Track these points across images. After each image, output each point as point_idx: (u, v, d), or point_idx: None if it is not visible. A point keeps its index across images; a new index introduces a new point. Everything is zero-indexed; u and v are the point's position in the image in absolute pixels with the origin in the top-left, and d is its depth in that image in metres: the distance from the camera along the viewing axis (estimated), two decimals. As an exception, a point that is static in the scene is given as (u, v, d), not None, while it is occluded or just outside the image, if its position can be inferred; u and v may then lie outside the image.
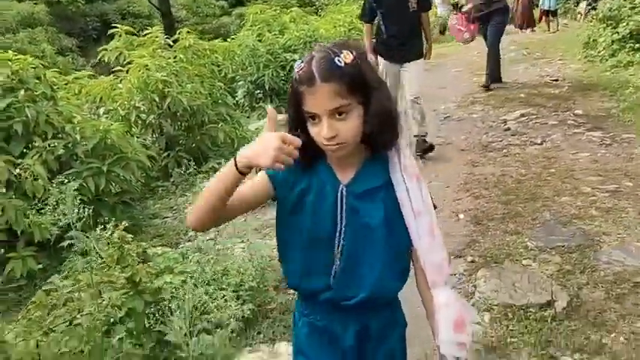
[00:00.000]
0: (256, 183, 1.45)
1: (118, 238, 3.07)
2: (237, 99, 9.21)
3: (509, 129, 6.26)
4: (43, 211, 3.80)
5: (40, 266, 4.15)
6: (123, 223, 2.96)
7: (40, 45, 16.48)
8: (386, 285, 1.46)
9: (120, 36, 6.88)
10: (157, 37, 6.83)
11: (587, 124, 6.10)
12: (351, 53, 1.30)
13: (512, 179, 4.81)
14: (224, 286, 3.34)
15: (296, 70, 1.33)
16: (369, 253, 1.42)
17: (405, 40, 5.42)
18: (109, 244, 3.15)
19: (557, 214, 4.05)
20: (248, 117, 8.79)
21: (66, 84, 6.23)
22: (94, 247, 3.23)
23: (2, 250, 4.05)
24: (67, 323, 2.93)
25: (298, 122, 1.36)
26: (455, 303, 1.45)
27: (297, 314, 1.60)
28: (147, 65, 6.07)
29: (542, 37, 14.29)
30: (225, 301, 3.13)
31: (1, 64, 4.54)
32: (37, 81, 4.73)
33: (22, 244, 4.19)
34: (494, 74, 8.28)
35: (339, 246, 1.42)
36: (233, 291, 3.27)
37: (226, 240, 3.95)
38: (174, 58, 6.58)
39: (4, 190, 4.22)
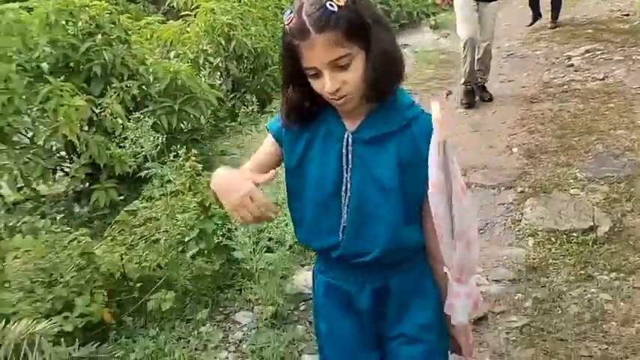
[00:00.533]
0: (266, 146, 1.40)
1: (190, 168, 3.41)
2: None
3: (572, 65, 6.17)
4: (122, 144, 4.23)
5: (121, 197, 4.57)
6: (192, 151, 3.28)
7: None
8: (403, 237, 1.32)
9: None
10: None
11: (653, 58, 5.94)
12: None
13: (569, 114, 4.84)
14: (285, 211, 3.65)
15: (285, 21, 1.19)
16: (381, 204, 1.29)
17: None
18: (182, 173, 3.50)
19: (610, 147, 4.10)
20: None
21: (138, 29, 6.58)
22: (169, 176, 3.57)
23: (87, 183, 4.51)
24: (147, 240, 3.32)
25: (297, 77, 1.25)
26: (474, 290, 1.35)
27: (315, 270, 1.52)
28: (213, 9, 6.32)
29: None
30: (286, 224, 3.44)
31: (80, 10, 4.89)
32: (113, 26, 5.07)
33: (105, 177, 4.60)
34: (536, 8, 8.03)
35: (345, 197, 1.31)
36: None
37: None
38: (239, 1, 6.79)
39: (86, 128, 4.64)
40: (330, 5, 1.13)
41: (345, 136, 1.30)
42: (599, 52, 6.40)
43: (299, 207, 1.40)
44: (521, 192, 3.78)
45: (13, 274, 2.86)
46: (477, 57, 5.31)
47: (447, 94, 5.98)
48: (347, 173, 1.30)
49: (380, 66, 1.19)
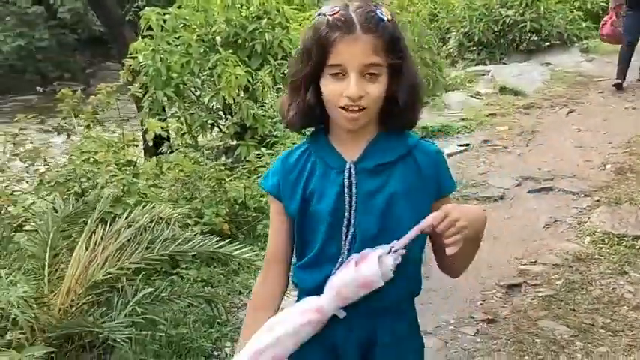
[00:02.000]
0: (275, 214, 1.36)
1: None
2: (448, 48, 9.95)
3: None
4: (265, 111, 5.19)
5: (258, 154, 5.53)
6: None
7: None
8: (406, 272, 1.24)
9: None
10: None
11: None
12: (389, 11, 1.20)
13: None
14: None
15: (328, 13, 1.17)
16: (386, 238, 1.21)
17: None
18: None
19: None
20: (452, 65, 9.51)
21: (302, 19, 7.56)
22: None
23: (235, 141, 5.51)
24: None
25: (317, 77, 1.21)
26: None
27: None
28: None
29: None
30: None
31: (252, -2, 5.95)
32: (277, 13, 6.07)
33: (249, 135, 5.60)
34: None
35: (347, 234, 1.25)
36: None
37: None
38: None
39: (242, 94, 5.67)
40: (381, 13, 1.18)
41: (347, 167, 1.25)
42: None
43: (300, 246, 1.35)
44: (597, 201, 4.16)
45: (166, 185, 3.89)
46: None
47: (568, 112, 6.30)
48: (350, 206, 1.24)
49: (408, 93, 1.22)
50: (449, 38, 9.98)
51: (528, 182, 4.59)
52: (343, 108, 1.18)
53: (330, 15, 1.16)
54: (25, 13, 19.27)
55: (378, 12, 1.17)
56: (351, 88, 1.15)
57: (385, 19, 1.17)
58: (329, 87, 1.18)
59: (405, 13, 7.62)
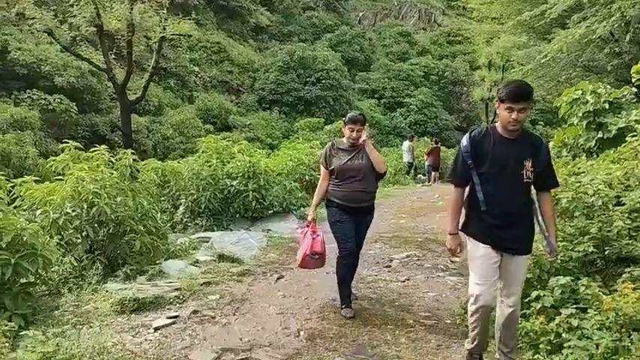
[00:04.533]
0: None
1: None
2: (178, 214, 10.20)
3: (389, 266, 7.14)
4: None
5: None
6: None
7: (25, 147, 17.74)
8: None
9: (70, 150, 7.92)
10: (102, 154, 7.88)
11: (454, 269, 7.00)
12: None
13: (359, 307, 5.63)
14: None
15: None
16: None
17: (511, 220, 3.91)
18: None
19: (372, 341, 4.84)
20: (184, 231, 9.73)
21: (12, 187, 7.15)
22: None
23: None
24: None
25: None
26: None
27: None
28: (83, 177, 7.05)
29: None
30: None
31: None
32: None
33: None
34: None
35: None
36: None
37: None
38: (111, 174, 7.58)
39: None
40: None
41: None
42: (415, 258, 7.45)
43: None
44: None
45: None
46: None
47: (278, 279, 6.73)
48: None
49: None
50: (179, 204, 10.27)
51: (228, 354, 4.65)
52: None
53: None
54: None
55: None
56: None
57: None
58: None
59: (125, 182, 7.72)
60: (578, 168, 5.84)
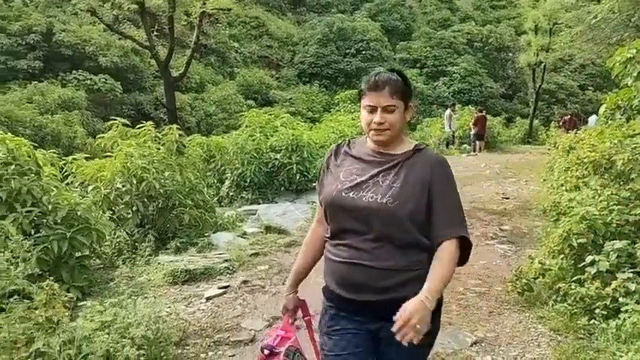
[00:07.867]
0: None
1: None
2: (224, 188, 10.32)
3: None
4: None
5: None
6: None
7: (73, 127, 18.22)
8: None
9: (117, 126, 8.08)
10: (149, 130, 8.01)
11: (503, 237, 6.88)
12: None
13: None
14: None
15: None
16: None
17: None
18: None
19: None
20: (230, 204, 9.84)
21: (64, 164, 7.35)
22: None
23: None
24: None
25: None
26: None
27: None
28: (132, 153, 7.19)
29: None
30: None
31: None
32: (28, 158, 5.84)
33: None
34: None
35: None
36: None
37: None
38: (158, 150, 7.70)
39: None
40: None
41: None
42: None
43: None
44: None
45: None
46: None
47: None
48: None
49: None
50: (225, 179, 10.38)
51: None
52: None
53: None
54: None
55: None
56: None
57: None
58: None
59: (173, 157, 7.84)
60: (634, 130, 5.62)
